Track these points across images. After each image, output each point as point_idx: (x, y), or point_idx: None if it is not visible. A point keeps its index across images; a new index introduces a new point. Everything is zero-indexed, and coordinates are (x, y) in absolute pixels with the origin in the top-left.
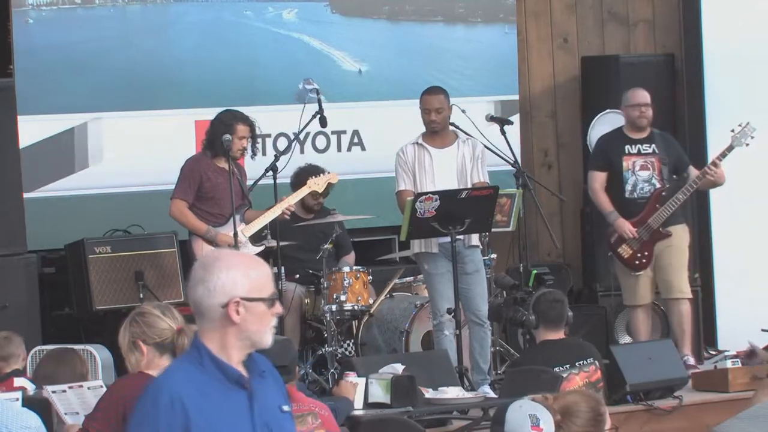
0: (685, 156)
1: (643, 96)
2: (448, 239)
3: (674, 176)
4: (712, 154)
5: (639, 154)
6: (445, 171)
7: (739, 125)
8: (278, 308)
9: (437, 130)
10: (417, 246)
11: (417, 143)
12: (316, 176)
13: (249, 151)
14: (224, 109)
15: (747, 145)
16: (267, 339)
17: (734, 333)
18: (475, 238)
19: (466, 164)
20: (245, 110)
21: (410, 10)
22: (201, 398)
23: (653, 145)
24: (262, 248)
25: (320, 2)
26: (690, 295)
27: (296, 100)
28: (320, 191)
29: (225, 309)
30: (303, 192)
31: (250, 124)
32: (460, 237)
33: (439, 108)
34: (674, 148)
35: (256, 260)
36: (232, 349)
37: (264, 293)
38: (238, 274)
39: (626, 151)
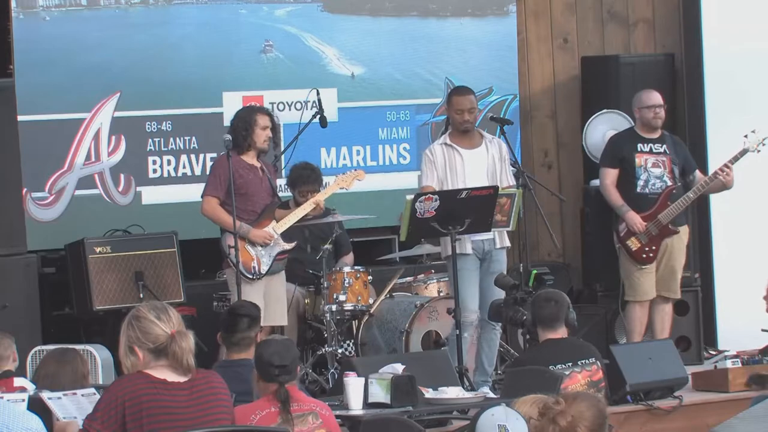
0: (692, 159)
1: (657, 98)
2: (480, 238)
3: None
4: (712, 154)
5: (651, 152)
6: (477, 172)
7: (753, 131)
8: None
9: (469, 130)
10: (450, 248)
11: (446, 144)
12: (344, 174)
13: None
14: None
15: (758, 151)
16: None
17: (734, 333)
18: (506, 239)
19: (496, 165)
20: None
21: (390, 7)
22: None
23: (664, 146)
24: (293, 245)
25: (314, 2)
26: (679, 296)
27: (261, 53)
28: (348, 188)
29: None
30: (332, 189)
31: (269, 114)
32: (482, 236)
33: (472, 108)
34: (683, 150)
35: None
36: None
37: None
38: None
39: (639, 149)
